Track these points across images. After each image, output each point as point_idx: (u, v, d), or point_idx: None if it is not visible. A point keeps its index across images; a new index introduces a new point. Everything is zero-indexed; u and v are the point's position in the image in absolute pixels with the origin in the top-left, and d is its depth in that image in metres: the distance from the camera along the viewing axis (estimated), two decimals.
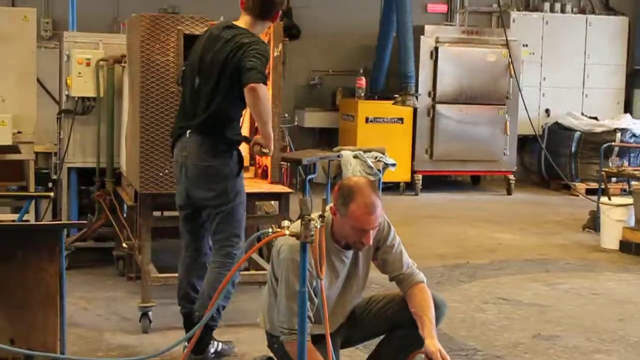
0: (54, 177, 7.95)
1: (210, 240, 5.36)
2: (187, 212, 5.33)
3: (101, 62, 7.37)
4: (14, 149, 7.21)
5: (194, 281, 5.37)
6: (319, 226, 3.61)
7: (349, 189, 4.17)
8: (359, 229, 4.15)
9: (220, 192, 5.12)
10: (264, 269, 6.03)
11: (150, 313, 5.81)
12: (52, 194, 5.50)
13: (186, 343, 4.85)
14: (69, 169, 7.72)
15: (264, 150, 5.18)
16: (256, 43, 5.01)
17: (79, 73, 7.41)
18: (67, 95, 7.62)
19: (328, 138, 12.94)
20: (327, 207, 3.84)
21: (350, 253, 4.37)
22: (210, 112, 5.06)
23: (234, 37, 5.06)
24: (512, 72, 12.33)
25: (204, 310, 5.02)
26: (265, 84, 5.02)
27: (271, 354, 4.55)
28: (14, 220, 6.36)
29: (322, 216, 3.69)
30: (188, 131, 5.15)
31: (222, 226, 5.18)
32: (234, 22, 5.20)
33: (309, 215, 3.58)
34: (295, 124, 12.15)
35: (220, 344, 5.29)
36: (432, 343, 4.14)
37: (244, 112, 5.35)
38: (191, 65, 5.24)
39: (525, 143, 13.55)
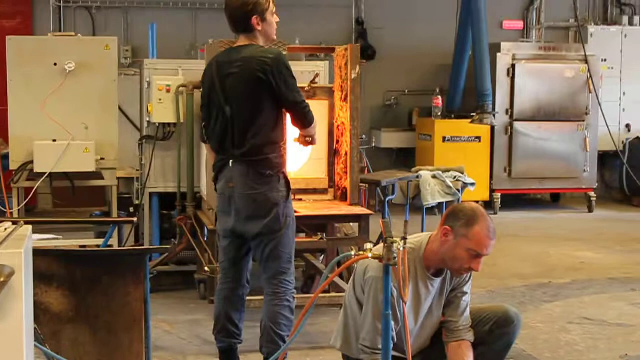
0: (136, 202, 8.08)
1: (248, 273, 5.26)
2: (231, 242, 5.17)
3: (181, 88, 7.47)
4: (97, 175, 7.35)
5: (231, 314, 5.24)
6: (401, 248, 3.60)
7: (472, 211, 4.21)
8: (474, 253, 4.17)
9: (271, 220, 4.97)
10: (344, 291, 6.00)
11: None
12: (135, 219, 5.58)
13: None
14: (151, 193, 7.84)
15: (308, 138, 5.13)
16: (281, 62, 4.88)
17: (160, 99, 7.51)
18: (148, 122, 7.75)
19: (405, 158, 12.91)
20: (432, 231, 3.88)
21: (437, 282, 4.36)
22: (253, 140, 4.92)
23: (251, 54, 4.92)
24: (591, 88, 12.15)
25: (271, 346, 4.97)
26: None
27: None
28: (98, 246, 6.47)
29: (404, 238, 3.68)
30: (231, 161, 5.01)
31: (274, 254, 5.02)
32: (235, 45, 5.08)
33: (392, 237, 3.56)
34: (373, 145, 12.19)
35: None
36: None
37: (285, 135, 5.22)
38: (214, 99, 5.05)
39: (605, 159, 13.32)
